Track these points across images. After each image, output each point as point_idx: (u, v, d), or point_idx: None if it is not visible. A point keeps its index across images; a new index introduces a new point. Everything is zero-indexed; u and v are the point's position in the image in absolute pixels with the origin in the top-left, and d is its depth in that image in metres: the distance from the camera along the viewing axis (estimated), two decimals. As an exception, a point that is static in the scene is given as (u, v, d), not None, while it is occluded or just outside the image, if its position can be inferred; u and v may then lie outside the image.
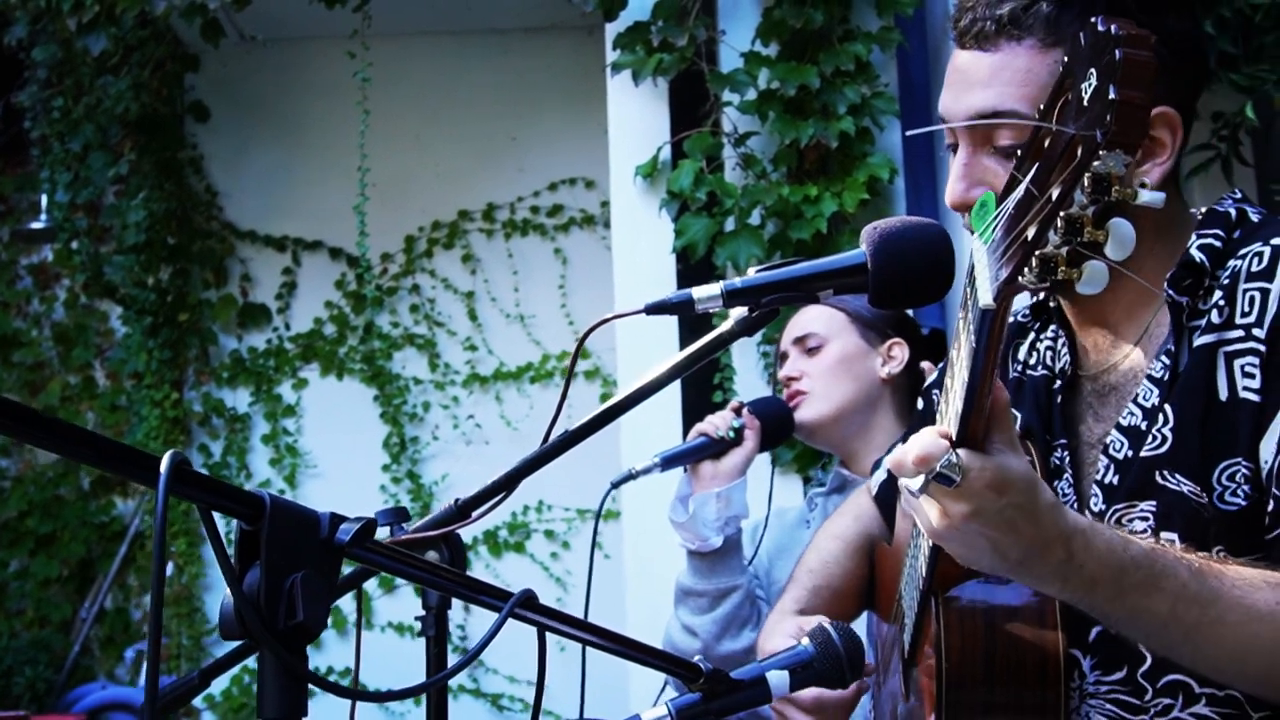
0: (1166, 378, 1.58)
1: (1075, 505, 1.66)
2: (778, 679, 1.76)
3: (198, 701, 5.51)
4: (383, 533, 2.04)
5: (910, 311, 4.37)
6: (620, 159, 4.43)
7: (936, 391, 2.01)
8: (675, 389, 4.33)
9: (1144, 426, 1.58)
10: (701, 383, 4.35)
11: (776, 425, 2.90)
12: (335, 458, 5.70)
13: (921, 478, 1.29)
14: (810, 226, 4.17)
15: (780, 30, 4.28)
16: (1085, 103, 1.06)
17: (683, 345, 4.42)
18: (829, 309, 2.95)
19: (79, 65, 5.06)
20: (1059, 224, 1.09)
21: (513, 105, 5.78)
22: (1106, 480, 1.61)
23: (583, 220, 5.74)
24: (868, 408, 2.90)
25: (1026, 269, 1.14)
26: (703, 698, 1.71)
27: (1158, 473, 1.56)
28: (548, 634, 1.55)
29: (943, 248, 1.72)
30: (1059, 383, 1.75)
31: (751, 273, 1.72)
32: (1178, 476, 1.54)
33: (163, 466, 1.16)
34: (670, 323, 4.45)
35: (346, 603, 5.41)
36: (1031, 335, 1.86)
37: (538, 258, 5.76)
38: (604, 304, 5.19)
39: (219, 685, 5.52)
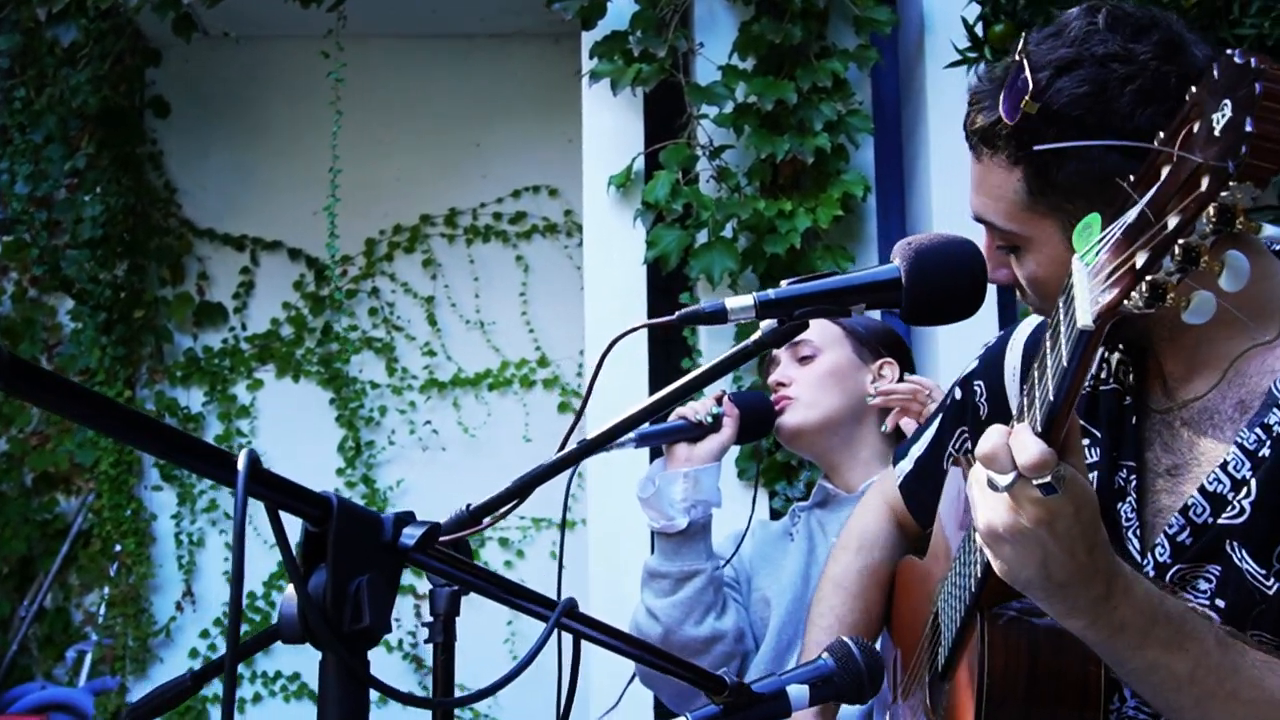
0: (1261, 453, 1.59)
1: (1138, 531, 1.67)
2: (797, 693, 1.75)
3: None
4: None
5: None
6: (593, 168, 4.42)
7: (979, 384, 2.02)
8: (642, 383, 4.32)
9: (1229, 496, 1.59)
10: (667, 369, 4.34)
11: (756, 418, 2.91)
12: (290, 460, 5.62)
13: (1012, 475, 1.30)
14: (784, 241, 4.18)
15: (758, 45, 4.29)
16: (1216, 133, 1.06)
17: (652, 358, 4.43)
18: (824, 321, 2.97)
19: (43, 55, 4.99)
20: (1175, 251, 1.09)
21: (478, 111, 5.76)
22: (1180, 539, 1.63)
23: (545, 228, 5.72)
24: (853, 422, 2.91)
25: (1134, 293, 1.14)
26: (723, 711, 1.69)
27: (1228, 541, 1.58)
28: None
29: (977, 266, 1.73)
30: (1129, 399, 1.76)
31: (785, 284, 1.72)
32: (1244, 552, 1.57)
33: (240, 465, 1.15)
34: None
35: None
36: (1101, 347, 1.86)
37: (499, 264, 5.73)
38: (566, 312, 5.20)
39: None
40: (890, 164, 4.54)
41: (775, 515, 4.23)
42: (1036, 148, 1.63)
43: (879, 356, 2.95)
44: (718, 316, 1.71)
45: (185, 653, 5.49)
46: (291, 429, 5.64)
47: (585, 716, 3.40)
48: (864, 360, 2.94)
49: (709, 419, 2.83)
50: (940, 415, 2.14)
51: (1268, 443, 1.59)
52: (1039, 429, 1.30)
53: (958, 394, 2.09)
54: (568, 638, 1.49)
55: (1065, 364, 1.25)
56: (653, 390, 4.30)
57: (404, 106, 5.76)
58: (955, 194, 4.39)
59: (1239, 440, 1.62)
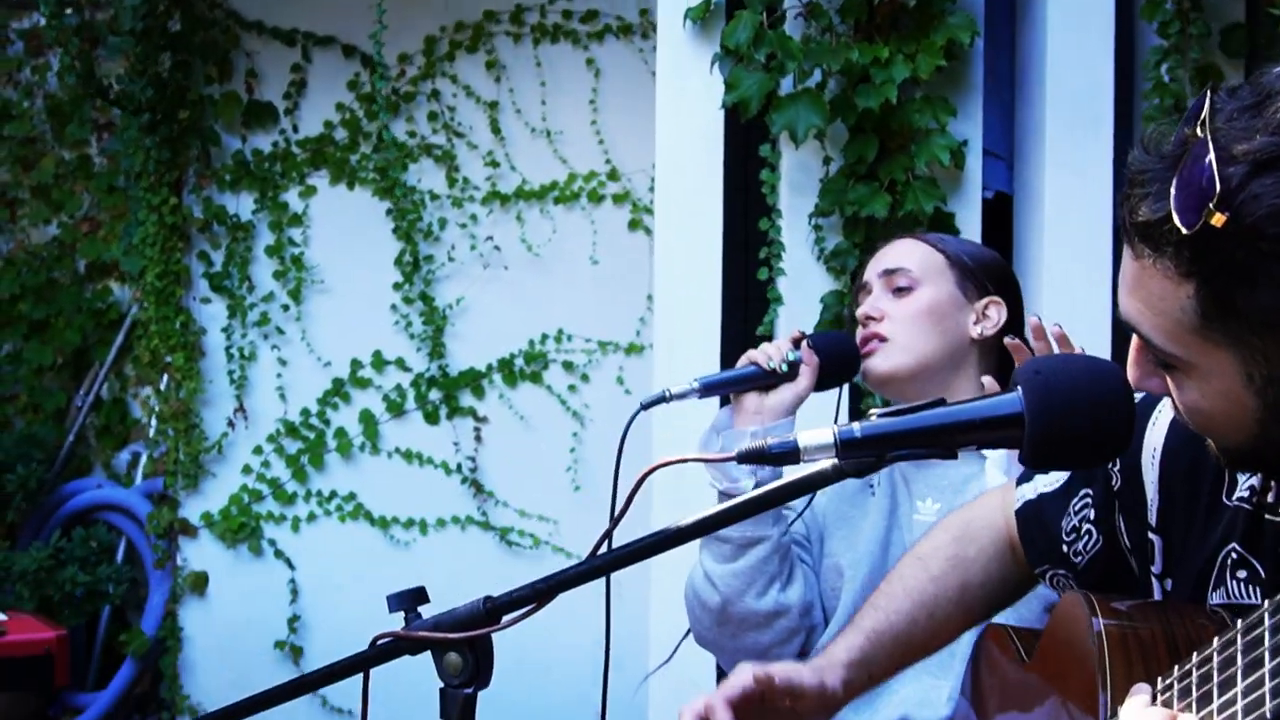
0: None
1: None
2: None
3: (195, 520, 5.29)
4: (395, 619, 1.73)
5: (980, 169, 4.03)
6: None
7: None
8: (714, 300, 3.96)
9: None
10: (744, 262, 3.98)
11: (838, 366, 2.58)
12: (344, 273, 5.36)
13: None
14: (878, 94, 3.75)
15: None
16: None
17: (728, 168, 4.05)
18: (927, 247, 2.60)
19: None
20: None
21: (547, -104, 5.25)
22: None
23: (619, 29, 5.26)
24: (951, 367, 2.56)
25: None
26: None
27: None
28: None
29: (1123, 405, 1.36)
30: None
31: (873, 417, 1.37)
32: None
33: None
34: (714, 136, 4.06)
35: (352, 425, 5.16)
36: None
37: (568, 68, 5.29)
38: (639, 122, 4.79)
39: (217, 504, 5.30)
40: (1001, 4, 4.05)
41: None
42: (1217, 268, 1.25)
43: (985, 294, 2.59)
44: (788, 457, 1.37)
45: (238, 469, 5.32)
46: (346, 240, 5.34)
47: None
48: (968, 297, 2.58)
49: (784, 366, 2.49)
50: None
51: None
52: None
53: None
54: None
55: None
56: (724, 351, 3.95)
57: (466, -110, 5.27)
58: (1077, 40, 3.96)
59: None
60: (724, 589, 2.53)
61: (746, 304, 4.01)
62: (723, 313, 4.01)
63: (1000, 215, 4.32)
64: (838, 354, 2.57)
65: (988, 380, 2.34)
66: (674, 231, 4.04)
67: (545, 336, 5.32)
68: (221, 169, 5.33)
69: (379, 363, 5.33)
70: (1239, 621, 1.11)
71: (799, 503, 2.67)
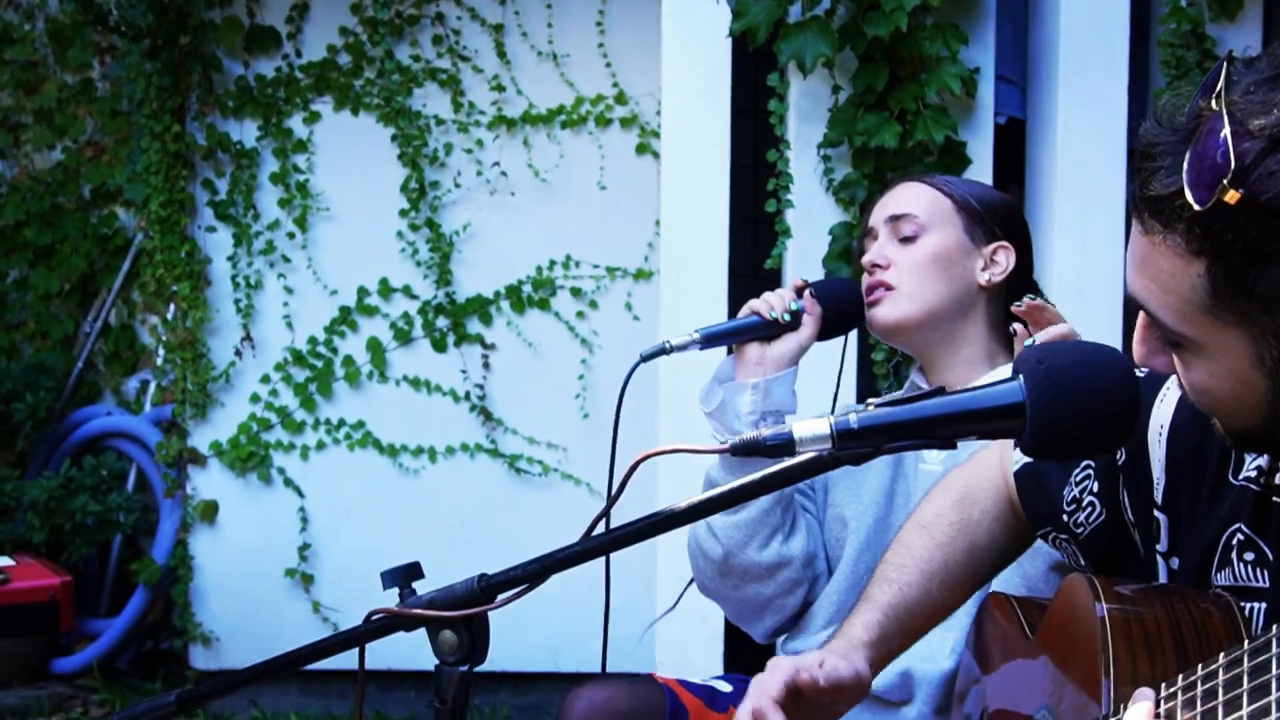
0: None
1: None
2: None
3: (204, 449, 5.29)
4: (390, 596, 1.71)
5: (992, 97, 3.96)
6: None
7: None
8: (721, 232, 3.91)
9: None
10: (752, 193, 3.93)
11: (842, 315, 2.54)
12: (349, 200, 5.30)
13: None
14: (888, 21, 3.69)
15: None
16: None
17: (735, 98, 4.00)
18: (934, 191, 2.54)
19: None
20: None
21: None
22: None
23: (625, -52, 5.16)
24: (958, 314, 2.51)
25: None
26: None
27: None
28: None
29: (1127, 393, 1.33)
30: None
31: (871, 406, 1.33)
32: None
33: None
34: (720, 65, 4.00)
35: (360, 353, 5.13)
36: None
37: (574, -11, 5.20)
38: (646, 44, 4.73)
39: (226, 433, 5.28)
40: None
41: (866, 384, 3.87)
42: (1229, 245, 1.21)
43: (994, 239, 2.54)
44: (783, 449, 1.34)
45: (246, 398, 5.30)
46: (351, 166, 5.28)
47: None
48: (976, 242, 2.53)
49: (786, 316, 2.46)
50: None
51: None
52: None
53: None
54: None
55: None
56: (731, 285, 3.89)
57: None
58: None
59: None
60: (726, 541, 2.51)
61: (755, 237, 3.97)
62: (730, 245, 3.96)
63: (1013, 140, 4.26)
64: (842, 302, 2.53)
65: (1018, 328, 2.28)
66: (681, 163, 3.99)
67: (553, 263, 5.28)
68: (224, 95, 5.26)
69: (386, 290, 5.29)
70: (1246, 642, 1.08)
71: (803, 455, 2.65)
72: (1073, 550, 1.76)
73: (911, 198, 2.55)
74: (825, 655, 1.75)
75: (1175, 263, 1.29)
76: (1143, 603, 1.46)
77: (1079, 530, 1.72)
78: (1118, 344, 3.62)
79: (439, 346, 5.29)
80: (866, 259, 2.55)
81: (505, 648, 5.19)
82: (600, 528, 1.56)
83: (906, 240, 2.51)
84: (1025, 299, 2.24)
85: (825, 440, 1.32)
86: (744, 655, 2.82)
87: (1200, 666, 1.15)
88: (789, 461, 1.38)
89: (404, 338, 5.30)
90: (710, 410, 2.47)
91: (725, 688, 2.54)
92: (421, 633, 5.22)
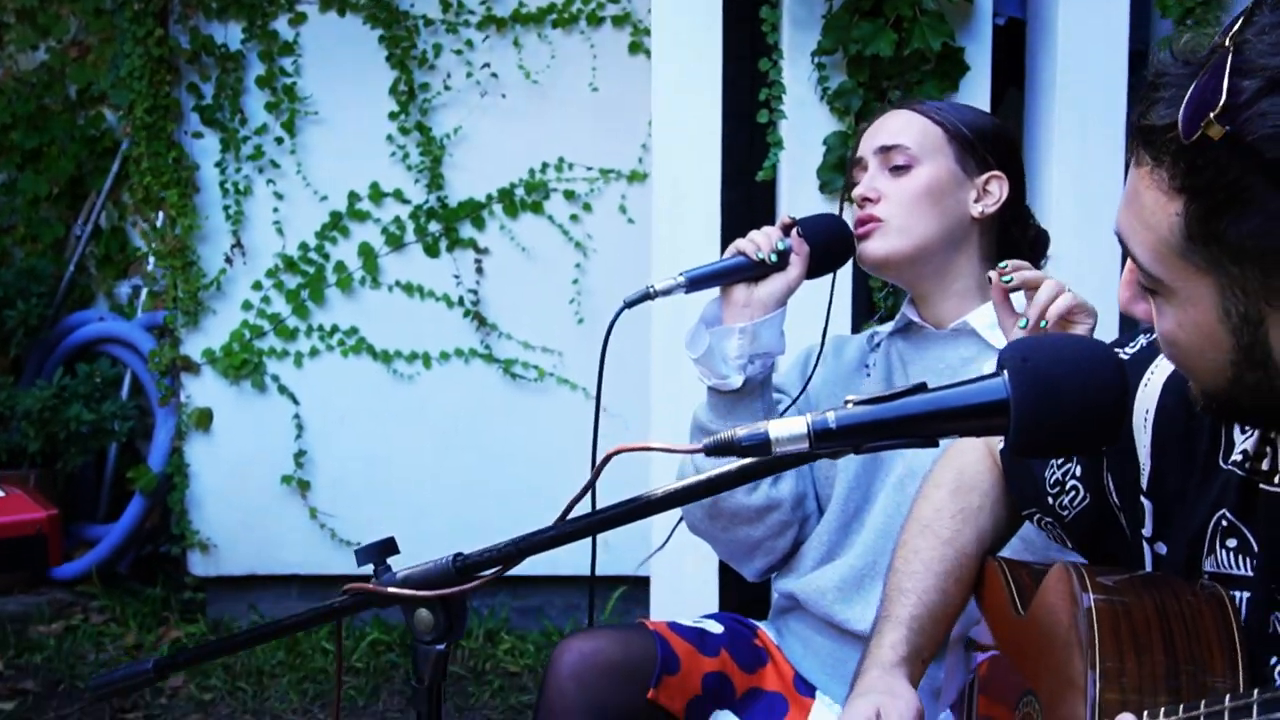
0: None
1: None
2: None
3: (198, 357, 5.25)
4: (365, 571, 1.67)
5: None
6: None
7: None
8: (714, 144, 3.82)
9: None
10: (744, 106, 3.84)
11: (831, 253, 2.48)
12: (338, 103, 5.21)
13: None
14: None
15: None
16: None
17: (727, 6, 3.90)
18: (925, 120, 2.47)
19: None
20: None
21: None
22: None
23: None
24: (950, 247, 2.46)
25: None
26: None
27: None
28: None
29: (1115, 392, 1.28)
30: None
31: (849, 405, 1.29)
32: None
33: None
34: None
35: (352, 258, 5.09)
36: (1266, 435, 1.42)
37: (563, -118, 5.07)
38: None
39: (218, 340, 5.24)
40: None
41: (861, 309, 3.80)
42: (1208, 184, 1.18)
43: (986, 169, 2.47)
44: (758, 449, 1.29)
45: (238, 305, 5.25)
46: (339, 69, 5.18)
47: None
48: (968, 172, 2.47)
49: (773, 257, 2.40)
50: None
51: None
52: None
53: None
54: None
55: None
56: (724, 197, 3.81)
57: None
58: None
59: None
60: None
61: (750, 148, 3.88)
62: (722, 156, 3.88)
63: (1012, 41, 4.16)
64: (830, 240, 2.47)
65: (994, 276, 2.22)
66: (672, 66, 3.90)
67: (545, 165, 5.20)
68: (208, -3, 5.15)
69: (377, 195, 5.21)
70: (1228, 697, 1.04)
71: (794, 390, 2.61)
72: (1059, 533, 1.73)
73: (901, 127, 2.48)
74: (878, 701, 1.73)
75: (1158, 198, 1.25)
76: (1129, 593, 1.43)
77: (1064, 513, 1.68)
78: (1117, 262, 3.56)
79: (431, 251, 5.22)
80: (857, 192, 2.48)
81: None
82: (596, 503, 1.53)
83: (897, 171, 2.45)
84: (1005, 265, 2.18)
85: (802, 440, 1.28)
86: (739, 594, 2.81)
87: (1182, 708, 1.12)
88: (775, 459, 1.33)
89: (396, 243, 5.23)
90: (698, 357, 2.42)
91: (716, 629, 2.52)
92: (429, 531, 5.27)
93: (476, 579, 1.57)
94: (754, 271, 2.40)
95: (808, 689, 2.49)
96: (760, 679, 2.51)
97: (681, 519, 2.65)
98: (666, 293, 2.37)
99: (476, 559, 1.57)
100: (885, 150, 2.46)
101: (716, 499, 2.48)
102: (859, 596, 2.43)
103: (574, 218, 5.23)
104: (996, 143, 2.50)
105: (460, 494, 5.27)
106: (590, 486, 1.43)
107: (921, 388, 1.28)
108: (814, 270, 2.46)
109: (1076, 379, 1.25)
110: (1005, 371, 1.27)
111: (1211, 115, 1.17)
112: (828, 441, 1.27)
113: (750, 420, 2.40)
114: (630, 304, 2.36)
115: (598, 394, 2.36)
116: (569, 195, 5.21)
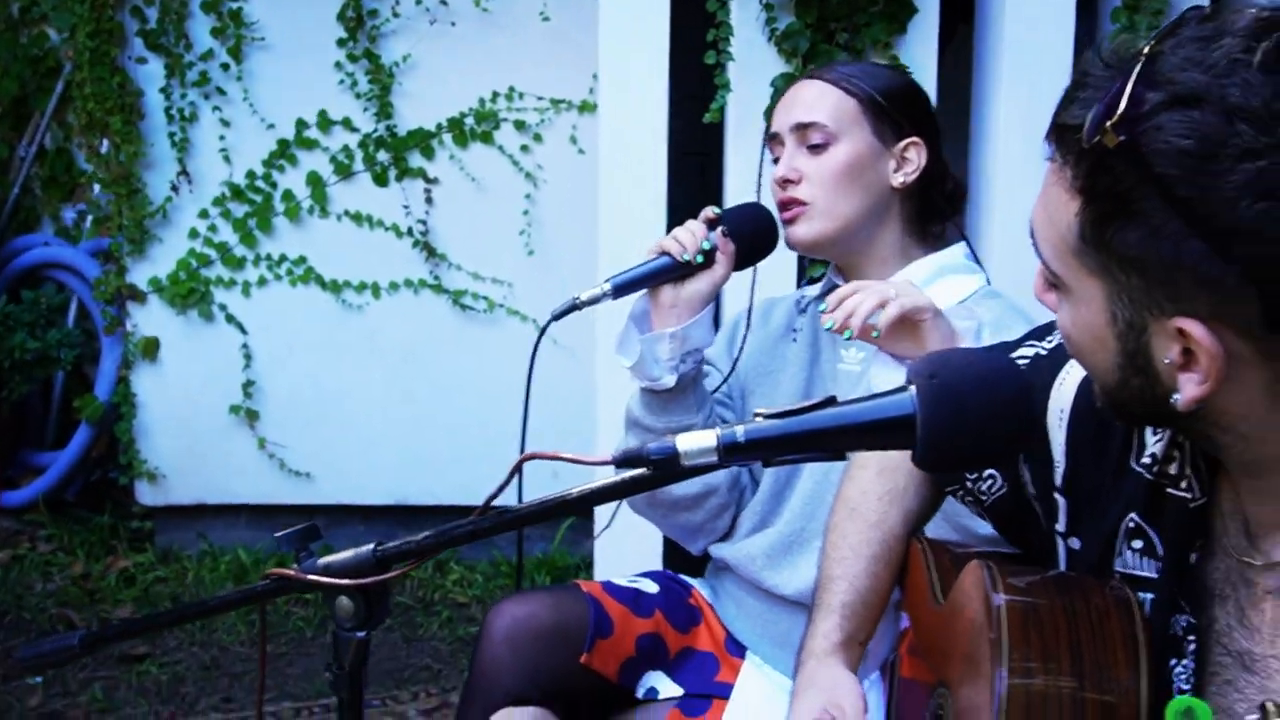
0: None
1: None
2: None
3: (144, 285, 5.20)
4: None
5: None
6: None
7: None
8: (661, 83, 3.79)
9: None
10: (693, 45, 3.80)
11: (756, 244, 2.49)
12: (285, 29, 5.13)
13: None
14: None
15: None
16: None
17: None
18: (839, 92, 2.45)
19: None
20: None
21: None
22: None
23: None
24: (873, 221, 2.47)
25: None
26: None
27: None
28: None
29: (1020, 405, 1.29)
30: (1199, 521, 1.39)
31: (758, 419, 1.29)
32: None
33: None
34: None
35: (300, 187, 5.04)
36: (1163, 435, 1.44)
37: None
38: None
39: (165, 269, 5.19)
40: None
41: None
42: (1104, 190, 1.20)
43: (903, 136, 2.46)
44: (667, 464, 1.29)
45: (185, 233, 5.19)
46: (286, -6, 5.10)
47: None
48: (886, 142, 2.46)
49: (698, 258, 2.39)
50: None
51: None
52: None
53: None
54: None
55: None
56: (671, 142, 3.78)
57: None
58: None
59: None
60: None
61: (700, 87, 3.85)
62: (670, 97, 3.85)
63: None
64: (755, 235, 2.47)
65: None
66: (617, 13, 3.86)
67: (496, 95, 5.15)
68: (149, -84, 5.05)
69: (325, 123, 5.15)
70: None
71: (725, 365, 2.63)
72: (980, 513, 1.75)
73: (815, 100, 2.46)
74: (823, 699, 1.76)
75: (1062, 196, 1.27)
76: (1039, 593, 1.44)
77: (984, 498, 1.70)
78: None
79: (380, 181, 5.18)
80: (777, 174, 2.48)
81: (442, 483, 5.21)
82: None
83: (815, 149, 2.44)
84: (823, 308, 2.17)
85: (711, 453, 1.28)
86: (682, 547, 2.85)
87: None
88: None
89: (344, 172, 5.19)
90: (630, 366, 2.43)
91: (651, 589, 2.55)
92: (378, 463, 5.24)
93: (396, 569, 1.58)
94: (680, 272, 2.40)
95: (738, 649, 2.53)
96: (693, 638, 2.54)
97: (622, 501, 2.68)
98: (593, 302, 2.38)
99: (396, 550, 1.58)
100: (801, 128, 2.45)
101: (652, 496, 2.52)
102: (787, 562, 2.46)
103: (524, 148, 5.19)
104: (911, 105, 2.49)
105: (409, 424, 5.27)
106: (500, 491, 1.43)
107: (831, 401, 1.28)
108: (741, 263, 2.47)
109: (982, 396, 1.26)
110: (912, 388, 1.27)
111: (1108, 124, 1.17)
112: (736, 454, 1.28)
113: (684, 413, 2.42)
114: (557, 316, 2.39)
115: (526, 399, 2.36)
116: (519, 125, 5.17)
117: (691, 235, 2.38)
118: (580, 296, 2.36)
